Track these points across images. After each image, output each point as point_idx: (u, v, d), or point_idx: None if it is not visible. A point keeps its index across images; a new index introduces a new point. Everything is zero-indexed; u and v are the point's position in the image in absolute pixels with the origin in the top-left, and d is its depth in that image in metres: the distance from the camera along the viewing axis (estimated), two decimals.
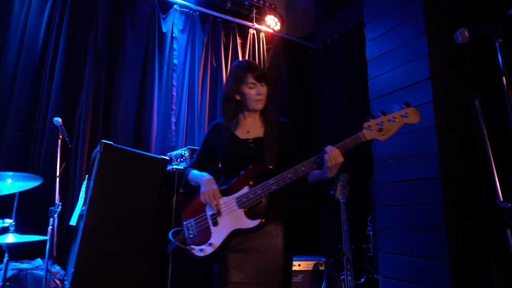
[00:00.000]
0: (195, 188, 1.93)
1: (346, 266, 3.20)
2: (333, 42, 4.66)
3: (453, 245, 2.50)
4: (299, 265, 3.51)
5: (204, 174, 1.87)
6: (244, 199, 1.77)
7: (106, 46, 3.56)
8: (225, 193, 1.83)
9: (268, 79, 1.96)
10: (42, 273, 2.92)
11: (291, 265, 1.92)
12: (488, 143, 1.92)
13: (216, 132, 2.00)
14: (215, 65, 4.14)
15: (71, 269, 2.61)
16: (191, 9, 4.11)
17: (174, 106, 3.79)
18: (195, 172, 1.94)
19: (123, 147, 2.70)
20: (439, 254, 2.52)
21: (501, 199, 1.85)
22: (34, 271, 2.98)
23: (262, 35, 4.62)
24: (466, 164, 2.76)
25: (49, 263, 2.86)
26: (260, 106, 1.93)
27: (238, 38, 4.39)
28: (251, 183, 1.78)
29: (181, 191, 2.92)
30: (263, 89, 1.91)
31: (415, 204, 2.73)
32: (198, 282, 2.85)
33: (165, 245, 2.87)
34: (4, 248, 2.40)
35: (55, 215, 2.96)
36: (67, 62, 3.37)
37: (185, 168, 2.07)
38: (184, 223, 1.90)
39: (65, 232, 3.23)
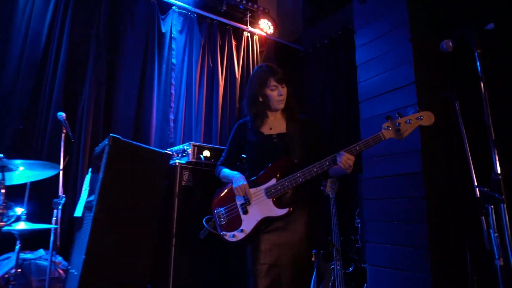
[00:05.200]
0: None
1: (335, 257, 3.43)
2: (322, 45, 4.91)
3: (433, 235, 2.76)
4: None
5: (235, 172, 2.13)
6: (273, 190, 1.99)
7: (107, 44, 3.68)
8: (253, 184, 2.05)
9: (288, 81, 2.17)
10: (45, 263, 3.02)
11: (312, 249, 2.13)
12: (466, 140, 2.17)
13: (242, 131, 2.25)
14: (211, 65, 4.32)
15: (79, 257, 2.73)
16: (189, 10, 4.28)
17: (172, 104, 3.94)
18: (226, 170, 2.20)
19: (129, 141, 2.84)
20: (420, 243, 2.77)
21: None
22: (38, 261, 3.06)
23: (255, 38, 4.82)
24: (446, 159, 3.03)
25: (52, 253, 2.98)
26: (281, 105, 2.15)
27: (233, 40, 4.58)
28: (278, 175, 2.00)
29: (183, 184, 3.07)
30: (283, 90, 2.13)
31: (399, 197, 2.98)
32: (200, 276, 2.98)
33: (167, 238, 3.01)
34: (16, 235, 2.50)
35: (59, 207, 3.08)
36: (69, 58, 3.47)
37: (216, 165, 2.35)
38: (215, 211, 2.13)
39: (66, 224, 3.32)
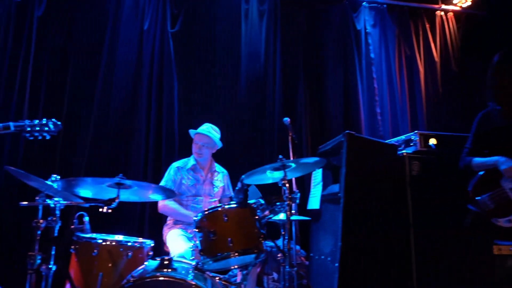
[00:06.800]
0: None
1: None
2: None
3: None
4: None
5: (497, 157, 2.13)
6: None
7: (311, 50, 4.02)
8: None
9: None
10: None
11: None
12: None
13: (487, 121, 2.29)
14: (408, 53, 4.24)
15: (328, 245, 3.02)
16: (378, 3, 4.30)
17: (377, 98, 4.01)
18: (480, 158, 2.24)
19: (361, 135, 3.00)
20: None
21: None
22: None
23: (450, 15, 4.50)
24: None
25: (292, 242, 3.35)
26: None
27: (426, 23, 4.39)
28: None
29: (413, 174, 3.06)
30: None
31: None
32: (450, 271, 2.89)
33: (403, 230, 3.02)
34: (280, 225, 2.91)
35: (297, 201, 3.45)
36: (283, 69, 3.93)
37: (461, 158, 2.42)
38: (478, 198, 2.16)
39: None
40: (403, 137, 3.27)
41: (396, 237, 3.00)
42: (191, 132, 3.09)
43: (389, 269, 2.84)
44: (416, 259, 2.89)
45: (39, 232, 1.94)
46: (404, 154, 3.09)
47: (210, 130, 3.06)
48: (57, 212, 2.00)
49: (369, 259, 2.80)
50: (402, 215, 3.03)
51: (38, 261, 1.91)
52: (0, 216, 3.16)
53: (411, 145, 3.15)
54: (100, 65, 3.56)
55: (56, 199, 2.01)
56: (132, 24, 3.70)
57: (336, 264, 2.76)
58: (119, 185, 2.00)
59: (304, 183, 3.73)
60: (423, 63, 4.22)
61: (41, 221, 1.95)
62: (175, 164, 3.14)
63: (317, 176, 3.47)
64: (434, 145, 3.09)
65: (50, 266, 1.95)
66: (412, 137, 3.14)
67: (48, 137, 2.17)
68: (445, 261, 2.92)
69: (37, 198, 2.00)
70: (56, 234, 1.99)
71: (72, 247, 2.23)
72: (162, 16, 3.73)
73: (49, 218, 1.98)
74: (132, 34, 3.65)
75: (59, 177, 2.07)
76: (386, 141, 3.14)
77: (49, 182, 2.05)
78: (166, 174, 3.12)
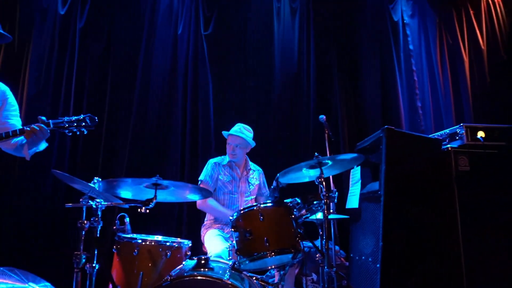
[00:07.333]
0: None
1: None
2: None
3: None
4: None
5: None
6: None
7: (344, 45, 3.90)
8: None
9: None
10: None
11: None
12: None
13: None
14: (451, 42, 4.02)
15: (368, 246, 2.92)
16: None
17: (417, 91, 3.82)
18: None
19: (401, 130, 2.87)
20: None
21: None
22: (313, 249, 3.43)
23: None
24: None
25: (331, 242, 3.27)
26: None
27: (470, 9, 4.13)
28: None
29: (459, 169, 2.88)
30: None
31: None
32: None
33: (450, 230, 2.84)
34: (317, 224, 2.84)
35: (335, 200, 3.36)
36: (317, 65, 3.86)
37: None
38: None
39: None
40: (447, 130, 3.09)
41: (442, 237, 2.84)
42: (224, 133, 3.11)
43: (434, 270, 2.68)
44: (466, 262, 2.70)
45: (83, 232, 2.02)
46: (449, 148, 2.91)
47: (242, 131, 3.06)
48: (99, 213, 2.07)
49: (413, 260, 2.66)
50: (448, 213, 2.86)
51: (83, 260, 1.99)
52: (48, 217, 3.34)
53: (457, 139, 2.96)
54: (137, 69, 3.68)
55: (98, 200, 2.08)
56: (167, 29, 3.79)
57: (378, 265, 2.64)
58: (156, 186, 2.04)
59: (342, 182, 3.63)
60: (468, 52, 3.96)
61: (85, 221, 2.03)
62: (213, 160, 3.19)
63: (356, 174, 3.36)
64: (483, 138, 2.89)
65: (94, 265, 2.02)
66: (458, 130, 2.95)
67: (85, 132, 2.22)
68: (500, 265, 2.72)
69: (81, 199, 2.08)
70: (98, 235, 2.06)
71: (114, 247, 2.30)
72: (195, 19, 3.79)
73: (92, 219, 2.06)
74: (167, 39, 3.74)
75: (100, 179, 2.15)
76: (429, 136, 2.98)
77: (91, 184, 2.14)
78: (204, 169, 3.17)
